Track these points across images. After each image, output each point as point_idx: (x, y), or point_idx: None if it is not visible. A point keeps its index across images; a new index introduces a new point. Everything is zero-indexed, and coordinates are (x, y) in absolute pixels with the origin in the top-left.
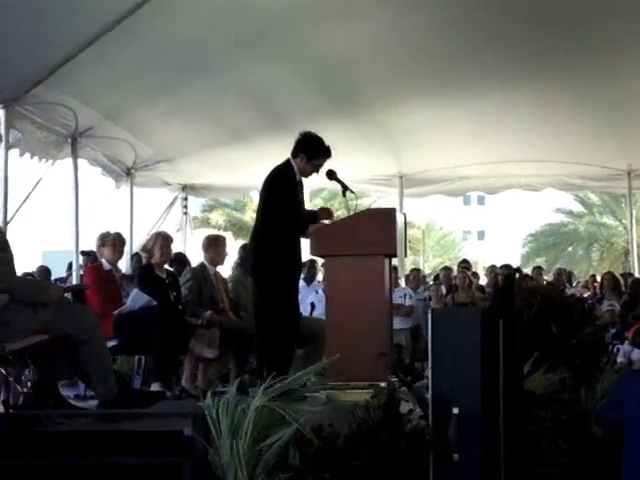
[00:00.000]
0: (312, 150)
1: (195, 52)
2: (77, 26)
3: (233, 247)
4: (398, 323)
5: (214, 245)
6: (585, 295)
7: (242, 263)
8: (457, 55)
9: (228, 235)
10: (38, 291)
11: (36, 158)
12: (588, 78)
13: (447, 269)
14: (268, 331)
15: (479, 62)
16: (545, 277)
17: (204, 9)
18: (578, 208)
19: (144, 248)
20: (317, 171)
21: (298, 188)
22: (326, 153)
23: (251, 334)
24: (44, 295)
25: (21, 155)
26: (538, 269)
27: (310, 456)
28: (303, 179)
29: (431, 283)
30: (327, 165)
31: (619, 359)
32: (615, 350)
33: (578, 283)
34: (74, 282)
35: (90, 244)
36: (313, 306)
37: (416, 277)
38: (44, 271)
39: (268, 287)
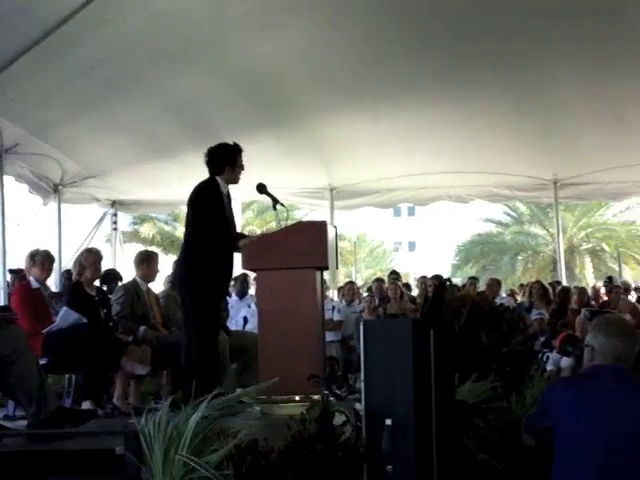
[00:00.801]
0: (230, 157)
1: (122, 66)
2: (1, 41)
3: (164, 261)
4: (329, 335)
5: (147, 261)
6: (513, 304)
7: (173, 278)
8: (386, 68)
9: (159, 250)
10: None
11: None
12: (514, 90)
13: (379, 280)
14: (195, 346)
15: (407, 75)
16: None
17: (130, 23)
18: (506, 218)
19: (77, 264)
20: (243, 168)
21: (225, 201)
22: (240, 149)
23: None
24: None
25: None
26: (472, 279)
27: (246, 471)
28: (232, 190)
29: (365, 295)
30: (257, 178)
31: (549, 367)
32: (545, 358)
33: (512, 293)
34: (1, 301)
35: (19, 262)
36: (246, 320)
37: (350, 290)
38: None
39: (194, 302)
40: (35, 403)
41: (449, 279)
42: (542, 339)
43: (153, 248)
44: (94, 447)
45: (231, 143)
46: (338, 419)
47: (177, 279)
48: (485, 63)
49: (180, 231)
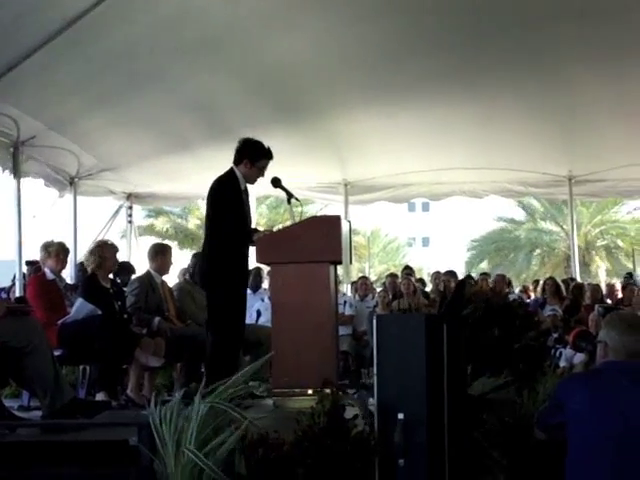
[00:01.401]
0: (254, 153)
1: (139, 61)
2: (20, 35)
3: (178, 255)
4: (341, 329)
5: (161, 254)
6: (527, 300)
7: (193, 272)
8: (401, 64)
9: (173, 244)
10: None
11: None
12: (530, 86)
13: (393, 276)
14: (216, 339)
15: (423, 71)
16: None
17: (148, 19)
18: (520, 215)
19: (96, 256)
20: (262, 174)
21: (243, 196)
22: (268, 154)
23: (198, 342)
24: None
25: None
26: (484, 275)
27: (256, 463)
28: (249, 186)
29: (378, 290)
30: (272, 173)
31: (561, 363)
32: (558, 354)
33: (525, 289)
34: (17, 293)
35: (35, 254)
36: (259, 313)
37: (364, 284)
38: None
39: (216, 296)
40: (50, 394)
41: (470, 275)
42: (555, 335)
43: (167, 242)
44: (108, 438)
45: (266, 145)
46: (349, 413)
47: (199, 273)
48: (501, 60)
49: (193, 224)
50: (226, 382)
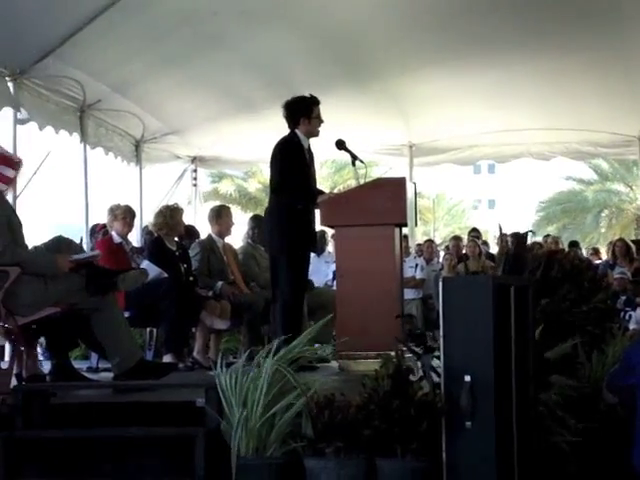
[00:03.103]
0: (304, 108)
1: (203, 23)
2: None
3: (242, 218)
4: (409, 293)
5: (219, 217)
6: (597, 262)
7: (253, 234)
8: (468, 24)
9: (237, 207)
10: (47, 263)
11: (47, 130)
12: (598, 45)
13: (457, 238)
14: (280, 301)
15: (489, 30)
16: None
17: None
18: (588, 175)
19: (158, 217)
20: (322, 120)
21: (307, 157)
22: (315, 100)
23: (261, 305)
24: (53, 266)
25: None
26: (548, 237)
27: (322, 425)
28: (313, 146)
29: (443, 253)
30: (337, 134)
31: (631, 326)
32: (627, 317)
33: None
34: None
35: (101, 217)
36: (335, 275)
37: (429, 248)
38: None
39: (280, 258)
40: (120, 355)
41: (532, 231)
42: (624, 298)
43: (231, 205)
44: (175, 399)
45: (307, 95)
46: (415, 376)
47: (265, 235)
48: (567, 17)
49: (254, 187)
50: (290, 344)
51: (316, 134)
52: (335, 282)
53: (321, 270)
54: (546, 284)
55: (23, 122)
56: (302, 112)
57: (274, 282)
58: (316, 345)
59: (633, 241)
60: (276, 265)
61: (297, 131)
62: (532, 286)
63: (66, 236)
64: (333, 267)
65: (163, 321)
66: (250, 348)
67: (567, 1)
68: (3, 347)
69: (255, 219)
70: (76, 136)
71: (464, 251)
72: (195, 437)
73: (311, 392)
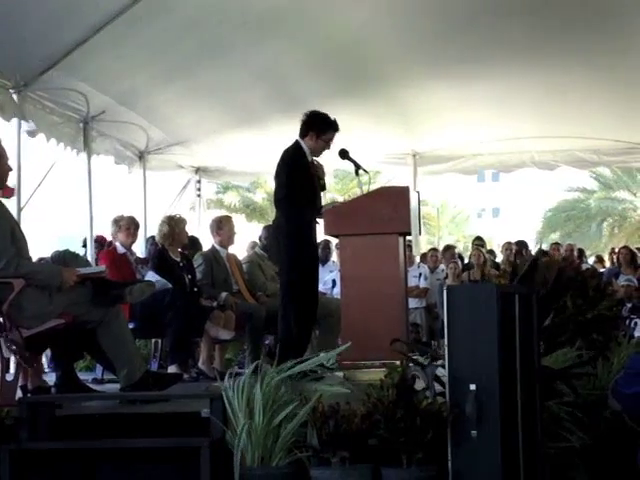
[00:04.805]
0: (320, 126)
1: (207, 35)
2: (88, 10)
3: (246, 228)
4: (413, 302)
5: (220, 227)
6: (601, 270)
7: (264, 244)
8: (471, 33)
9: (241, 217)
10: (52, 275)
11: (51, 142)
12: (601, 53)
13: (449, 248)
14: (288, 313)
15: (493, 40)
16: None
17: None
18: (591, 184)
19: (162, 227)
20: (328, 147)
21: (310, 169)
22: (334, 126)
23: (263, 315)
24: (58, 279)
25: (33, 136)
26: (556, 245)
27: (328, 435)
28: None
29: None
30: (339, 144)
31: (636, 333)
32: (632, 324)
33: (600, 259)
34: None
35: (105, 229)
36: (334, 283)
37: (434, 256)
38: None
39: (289, 270)
40: (127, 366)
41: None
42: (629, 305)
43: (235, 215)
44: (181, 410)
45: (332, 117)
46: (419, 385)
47: (271, 248)
48: (570, 26)
49: (260, 197)
50: (297, 357)
51: (317, 155)
52: (333, 290)
53: (331, 276)
54: (552, 292)
55: (33, 134)
56: (316, 128)
57: (282, 294)
58: (321, 354)
59: (638, 248)
60: (284, 277)
61: (302, 142)
62: (537, 294)
63: (72, 250)
64: (333, 275)
65: (168, 332)
66: (253, 356)
67: (571, 11)
68: (8, 359)
69: (268, 229)
70: (80, 148)
71: (458, 260)
72: (200, 447)
73: (312, 402)
